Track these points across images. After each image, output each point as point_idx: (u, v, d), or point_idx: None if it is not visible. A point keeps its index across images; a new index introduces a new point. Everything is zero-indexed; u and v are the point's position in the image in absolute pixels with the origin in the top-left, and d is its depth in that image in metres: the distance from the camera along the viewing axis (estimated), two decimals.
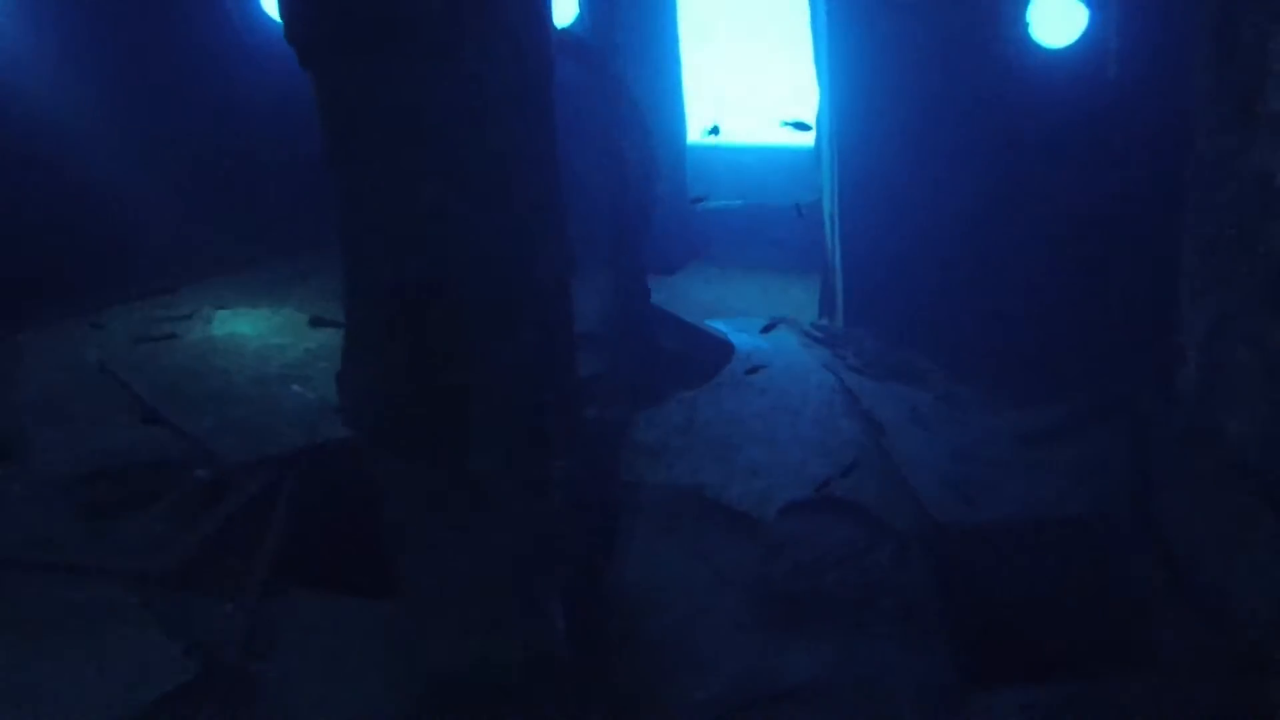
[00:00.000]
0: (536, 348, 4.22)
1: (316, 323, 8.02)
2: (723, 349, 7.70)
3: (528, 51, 4.02)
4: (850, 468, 6.05)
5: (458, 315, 3.84)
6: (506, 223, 3.94)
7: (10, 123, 8.37)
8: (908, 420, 6.78)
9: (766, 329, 7.27)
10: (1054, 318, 8.12)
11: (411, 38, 3.60)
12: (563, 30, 6.88)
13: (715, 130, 6.61)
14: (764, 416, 6.83)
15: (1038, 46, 8.11)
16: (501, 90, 3.81)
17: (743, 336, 7.82)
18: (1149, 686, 4.27)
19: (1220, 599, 4.73)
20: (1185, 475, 5.48)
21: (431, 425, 3.95)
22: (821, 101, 9.41)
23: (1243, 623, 4.49)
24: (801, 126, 7.22)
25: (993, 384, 7.88)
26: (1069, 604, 5.49)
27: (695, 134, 11.05)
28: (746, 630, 5.12)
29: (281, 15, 3.61)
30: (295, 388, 7.08)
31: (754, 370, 7.16)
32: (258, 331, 7.95)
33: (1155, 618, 5.00)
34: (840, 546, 5.61)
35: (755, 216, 10.32)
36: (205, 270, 9.07)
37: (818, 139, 9.58)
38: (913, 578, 5.28)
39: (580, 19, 6.93)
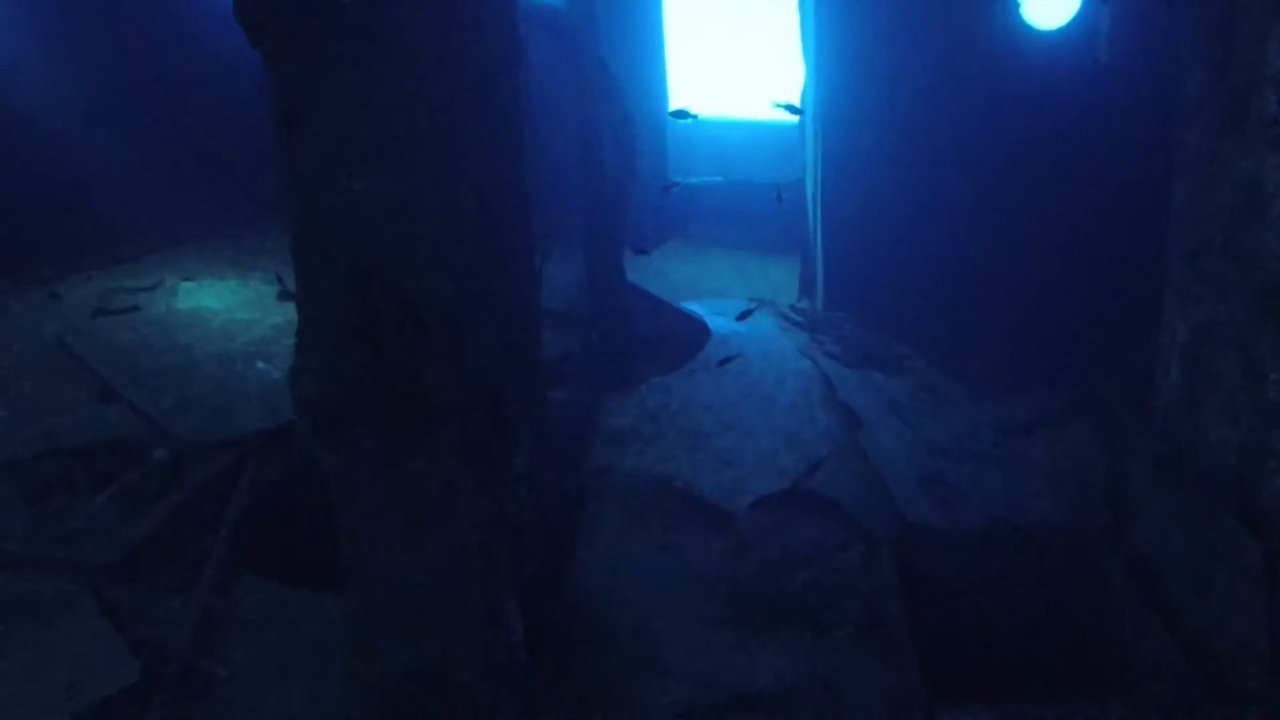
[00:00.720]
0: (498, 338, 4.05)
1: (284, 296, 7.80)
2: (699, 332, 7.54)
3: (491, 31, 3.84)
4: (816, 465, 5.93)
5: (413, 305, 3.66)
6: (468, 210, 3.76)
7: None
8: (885, 411, 6.64)
9: (743, 316, 7.11)
10: (1037, 308, 8.00)
11: (365, 15, 3.40)
12: (537, 2, 6.65)
13: (684, 114, 6.40)
14: (738, 404, 6.69)
15: (1029, 28, 7.95)
16: (463, 72, 3.62)
17: (719, 320, 7.66)
18: (1122, 713, 4.15)
19: (1197, 620, 4.62)
20: (1163, 486, 5.35)
21: (386, 420, 3.78)
22: (807, 80, 9.22)
23: (1219, 648, 4.37)
24: (793, 110, 7.05)
25: (972, 374, 7.76)
26: (1040, 615, 5.37)
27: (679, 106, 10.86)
28: (713, 629, 4.99)
29: None
30: (260, 365, 6.89)
31: (728, 360, 6.99)
32: (224, 305, 7.74)
33: (1129, 636, 4.88)
34: (810, 545, 5.48)
35: (736, 194, 10.13)
36: (171, 238, 8.83)
37: (802, 118, 9.40)
38: (881, 581, 5.15)
39: None
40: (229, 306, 7.67)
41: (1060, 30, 7.93)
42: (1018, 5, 7.97)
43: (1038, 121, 7.79)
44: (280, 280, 7.62)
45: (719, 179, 10.42)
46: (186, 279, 8.14)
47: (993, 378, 7.68)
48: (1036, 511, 5.69)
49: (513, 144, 3.96)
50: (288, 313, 7.53)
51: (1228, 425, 4.84)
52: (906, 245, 8.26)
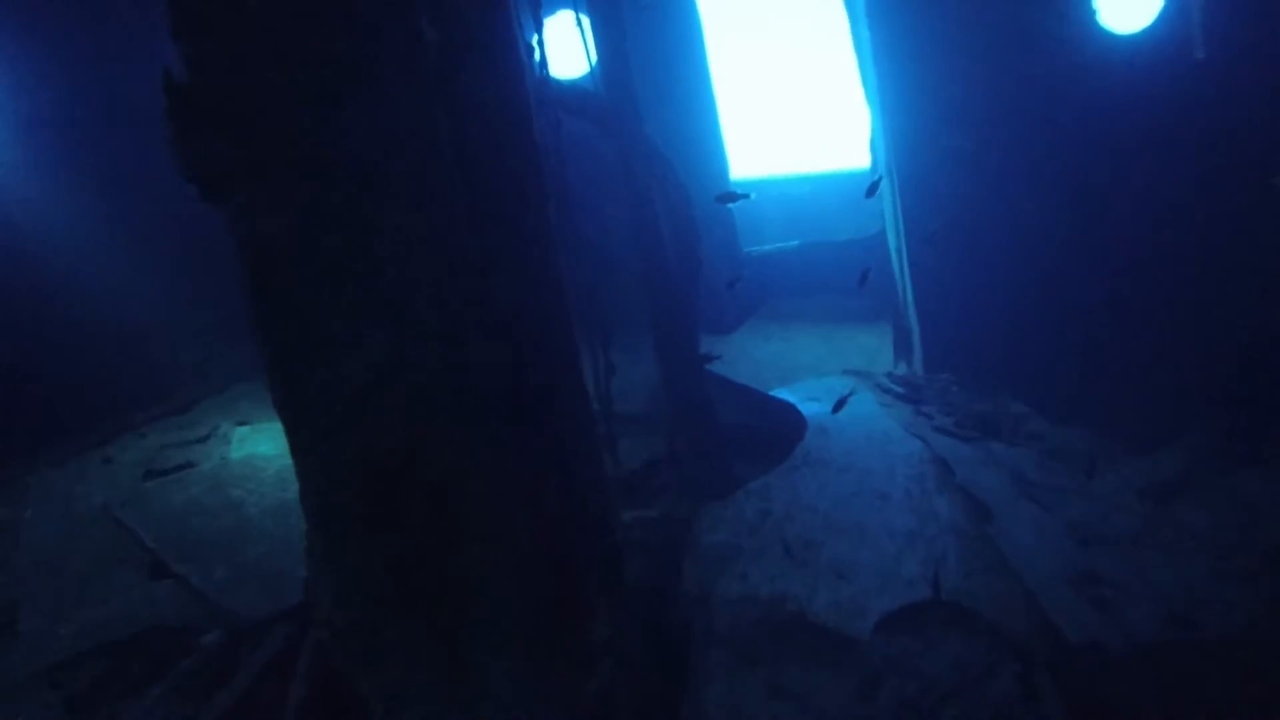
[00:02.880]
0: (555, 505, 3.39)
1: None
2: (794, 422, 6.79)
3: (509, 151, 3.22)
4: (945, 569, 5.14)
5: (441, 490, 3.02)
6: (499, 364, 3.13)
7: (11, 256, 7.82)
8: (1013, 492, 5.81)
9: (839, 405, 6.35)
10: (1163, 340, 7.13)
11: (358, 153, 2.81)
12: (569, 86, 6.07)
13: (733, 195, 5.71)
14: (847, 503, 5.92)
15: (1109, 34, 7.17)
16: (478, 205, 3.01)
17: (814, 405, 6.91)
18: None
19: None
20: None
21: (425, 627, 3.13)
22: (874, 122, 8.56)
23: None
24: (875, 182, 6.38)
25: (1102, 426, 6.92)
26: None
27: (742, 169, 10.24)
28: None
29: (179, 148, 2.83)
30: None
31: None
32: (279, 449, 7.22)
33: None
34: (952, 671, 4.66)
35: (813, 258, 9.40)
36: (224, 380, 8.40)
37: (874, 164, 8.72)
38: (1046, 714, 4.31)
39: (593, 71, 6.16)
40: (283, 451, 7.12)
41: (1144, 33, 7.15)
42: (1094, 13, 7.23)
43: (1132, 132, 7.00)
44: None
45: (793, 244, 9.70)
46: (241, 423, 7.67)
47: (1128, 429, 6.82)
48: (1215, 601, 4.80)
49: (547, 276, 3.31)
50: None
51: None
52: (1008, 288, 7.50)
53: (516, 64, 3.30)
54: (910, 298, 8.07)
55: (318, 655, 5.34)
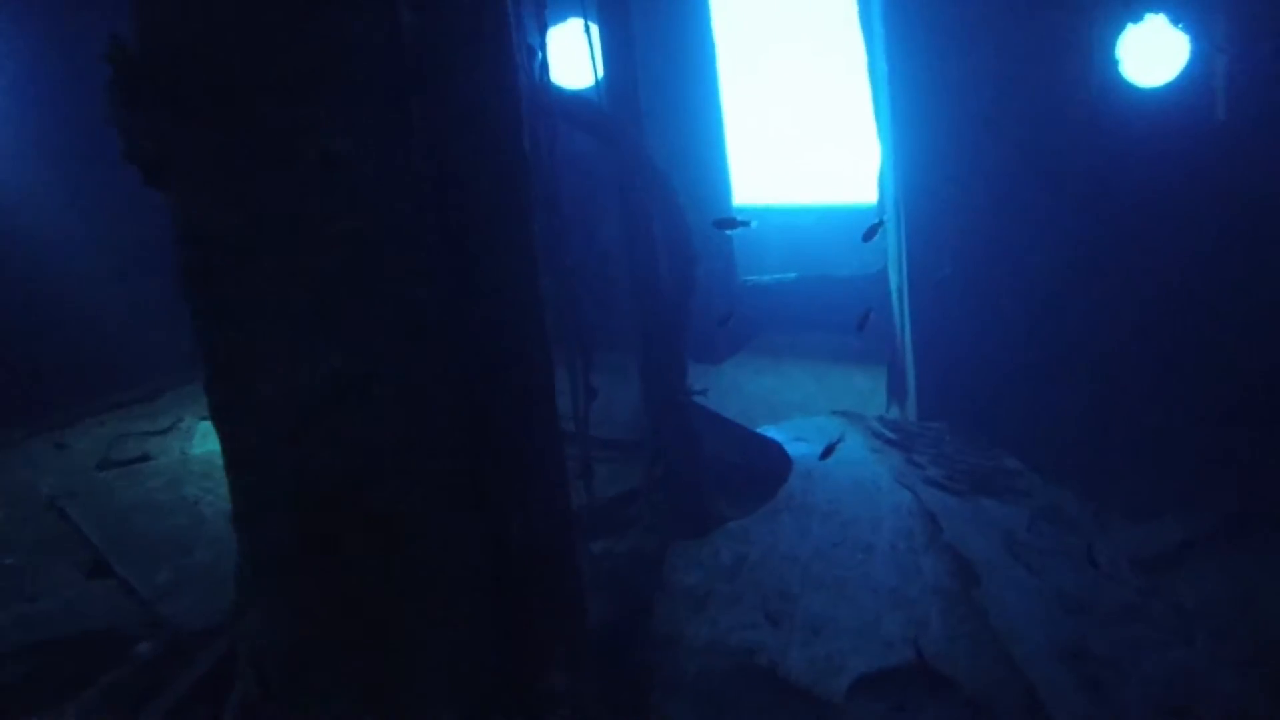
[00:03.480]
0: (513, 538, 3.10)
1: None
2: (779, 463, 6.50)
3: (491, 147, 2.94)
4: (927, 633, 4.86)
5: (383, 522, 2.73)
6: (455, 382, 2.85)
7: None
8: (1003, 554, 5.54)
9: (827, 452, 6.06)
10: (1167, 405, 6.90)
11: (316, 155, 2.54)
12: (571, 95, 5.79)
13: (732, 222, 5.39)
14: (828, 554, 5.63)
15: (1131, 87, 6.99)
16: (430, 217, 2.73)
17: (802, 447, 6.62)
18: None
19: None
20: None
21: (359, 670, 2.83)
22: (884, 158, 8.31)
23: None
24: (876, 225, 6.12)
25: (1099, 488, 6.67)
26: None
27: (746, 196, 9.97)
28: None
29: (123, 125, 2.54)
30: None
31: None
32: None
33: None
34: None
35: (812, 291, 9.10)
36: (192, 371, 8.07)
37: (881, 200, 8.48)
38: None
39: (599, 83, 5.91)
40: None
41: (1167, 87, 6.99)
42: (1117, 64, 7.01)
43: (1150, 190, 6.86)
44: None
45: (792, 275, 9.41)
46: (205, 418, 7.33)
47: (1123, 493, 6.59)
48: (1214, 692, 4.52)
49: (524, 296, 3.03)
50: None
51: None
52: (1010, 339, 7.27)
53: (509, 63, 3.03)
54: (908, 341, 7.82)
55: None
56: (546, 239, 5.10)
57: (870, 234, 6.51)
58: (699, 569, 5.63)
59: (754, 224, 5.47)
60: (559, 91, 5.34)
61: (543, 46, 4.88)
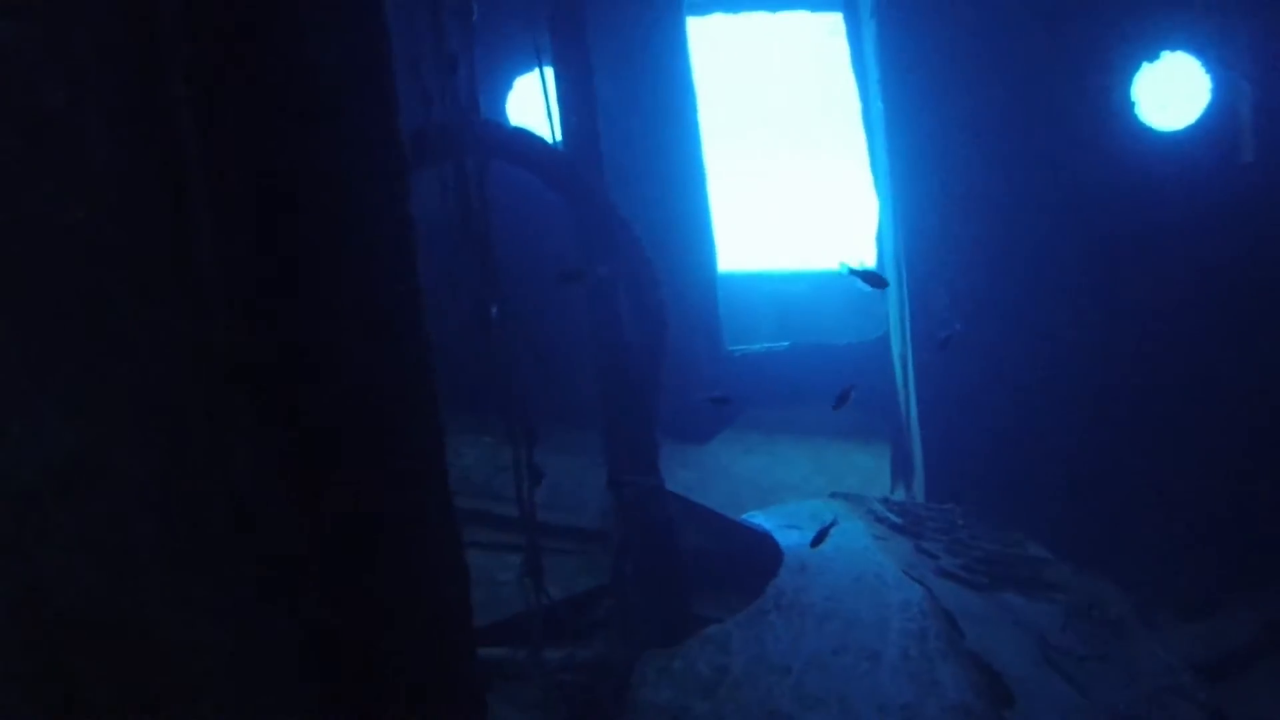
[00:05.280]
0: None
1: None
2: (766, 553, 5.63)
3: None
4: None
5: (145, 662, 1.86)
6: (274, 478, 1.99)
7: None
8: (1038, 664, 4.63)
9: (817, 540, 5.17)
10: (1216, 476, 6.11)
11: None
12: (512, 130, 5.04)
13: (877, 279, 4.43)
14: (826, 664, 4.71)
15: (1147, 130, 6.55)
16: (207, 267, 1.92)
17: (794, 535, 5.74)
18: None
19: None
20: None
21: None
22: (883, 214, 7.65)
23: None
24: (874, 279, 5.34)
25: (1142, 578, 5.80)
26: None
27: (735, 262, 9.32)
28: None
29: None
30: None
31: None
32: None
33: None
34: None
35: (806, 361, 8.33)
36: None
37: (880, 259, 7.79)
38: None
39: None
40: None
41: (1188, 130, 6.57)
42: (1133, 105, 6.47)
43: (1176, 236, 6.34)
44: None
45: (784, 344, 8.63)
46: None
47: (1170, 583, 5.71)
48: None
49: (393, 346, 2.20)
50: None
51: None
52: (1028, 406, 6.58)
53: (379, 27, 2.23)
54: (914, 412, 7.03)
55: None
56: (476, 287, 4.33)
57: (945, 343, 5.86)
58: (671, 683, 4.74)
59: (605, 273, 4.63)
60: (495, 124, 4.61)
61: (468, 60, 4.12)
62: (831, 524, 5.27)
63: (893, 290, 7.39)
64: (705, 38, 8.97)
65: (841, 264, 5.05)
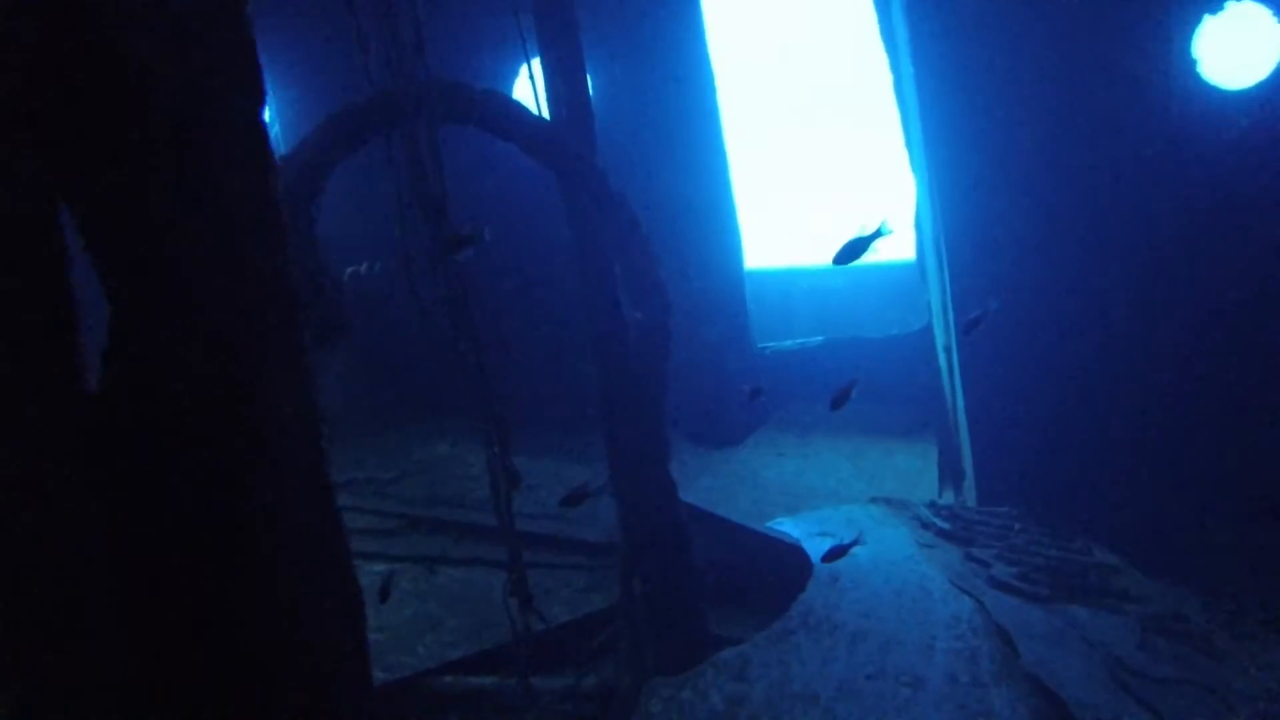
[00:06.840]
0: None
1: None
2: (793, 565, 4.99)
3: None
4: None
5: None
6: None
7: None
8: (1109, 689, 3.95)
9: (831, 556, 4.48)
10: None
11: None
12: (530, 119, 4.44)
13: (465, 239, 3.77)
14: (859, 690, 4.07)
15: (1211, 89, 5.96)
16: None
17: (825, 543, 5.08)
18: None
19: None
20: None
21: None
22: (920, 195, 7.00)
23: None
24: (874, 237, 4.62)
25: (1223, 586, 5.11)
26: None
27: (772, 259, 8.82)
28: None
29: None
30: None
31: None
32: None
33: None
34: None
35: (843, 356, 7.72)
36: None
37: (919, 246, 7.16)
38: None
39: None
40: None
41: (1257, 88, 5.95)
42: (1194, 62, 6.00)
43: (1250, 207, 5.78)
44: None
45: (818, 339, 8.00)
46: None
47: (1258, 592, 5.01)
48: None
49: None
50: None
51: None
52: (1091, 398, 6.01)
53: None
54: (962, 408, 6.39)
55: None
56: (443, 269, 3.77)
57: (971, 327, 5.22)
58: (679, 716, 4.10)
59: (487, 236, 4.00)
60: (463, 85, 4.05)
61: (415, 23, 3.57)
62: (857, 539, 4.61)
63: (933, 278, 6.76)
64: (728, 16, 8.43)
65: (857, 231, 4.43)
